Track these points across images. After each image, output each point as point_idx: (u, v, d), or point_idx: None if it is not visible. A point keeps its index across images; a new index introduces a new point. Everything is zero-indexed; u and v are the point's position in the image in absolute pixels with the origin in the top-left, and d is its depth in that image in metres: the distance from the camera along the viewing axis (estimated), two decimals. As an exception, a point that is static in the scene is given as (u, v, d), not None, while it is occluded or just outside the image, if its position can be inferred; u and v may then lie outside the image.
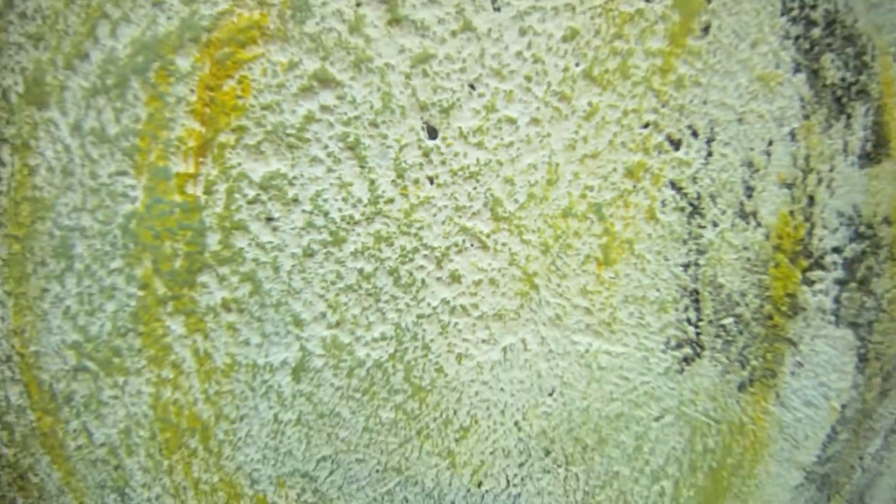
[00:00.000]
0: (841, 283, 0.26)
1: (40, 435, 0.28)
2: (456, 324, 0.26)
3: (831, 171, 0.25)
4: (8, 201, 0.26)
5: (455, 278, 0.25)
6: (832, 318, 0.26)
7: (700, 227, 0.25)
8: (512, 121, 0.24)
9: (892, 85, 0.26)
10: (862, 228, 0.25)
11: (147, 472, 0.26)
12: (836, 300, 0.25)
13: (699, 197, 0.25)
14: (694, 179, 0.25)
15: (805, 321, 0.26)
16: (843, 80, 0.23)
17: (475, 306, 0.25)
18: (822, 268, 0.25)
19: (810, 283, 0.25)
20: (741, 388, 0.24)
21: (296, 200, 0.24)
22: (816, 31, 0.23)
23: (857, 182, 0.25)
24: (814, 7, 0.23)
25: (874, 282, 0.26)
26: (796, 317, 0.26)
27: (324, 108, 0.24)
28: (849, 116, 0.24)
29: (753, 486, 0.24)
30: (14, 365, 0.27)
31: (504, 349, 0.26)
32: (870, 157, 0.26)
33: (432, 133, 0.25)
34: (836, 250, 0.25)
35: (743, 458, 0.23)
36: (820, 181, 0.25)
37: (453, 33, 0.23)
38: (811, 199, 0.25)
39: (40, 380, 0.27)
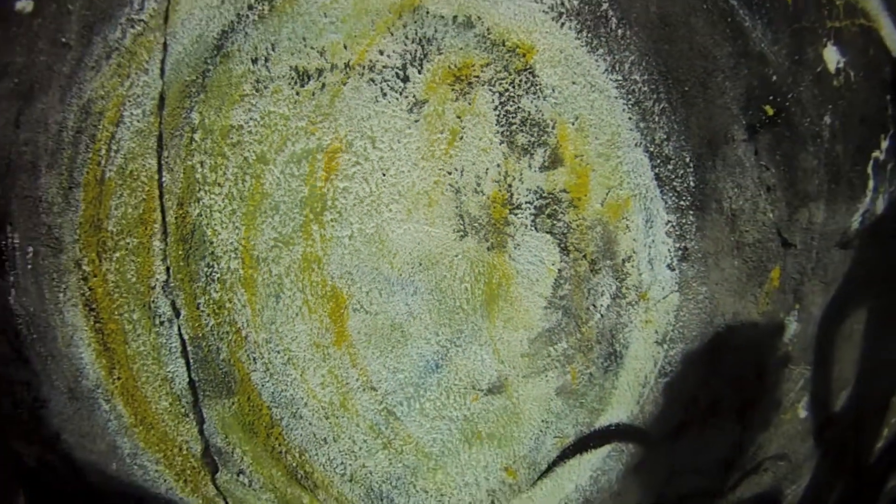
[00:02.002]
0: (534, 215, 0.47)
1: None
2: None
3: (521, 174, 0.48)
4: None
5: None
6: (532, 229, 0.45)
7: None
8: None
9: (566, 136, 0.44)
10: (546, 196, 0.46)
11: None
12: (533, 222, 0.46)
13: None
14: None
15: (515, 226, 0.48)
16: (530, 142, 0.45)
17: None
18: (519, 208, 0.46)
19: (515, 214, 0.48)
20: (489, 249, 0.49)
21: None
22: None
23: (537, 177, 0.44)
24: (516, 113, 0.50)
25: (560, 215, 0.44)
26: (510, 226, 0.48)
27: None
28: (533, 154, 0.45)
29: (513, 299, 0.48)
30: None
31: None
32: (546, 167, 0.43)
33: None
34: (529, 202, 0.47)
35: (501, 281, 0.49)
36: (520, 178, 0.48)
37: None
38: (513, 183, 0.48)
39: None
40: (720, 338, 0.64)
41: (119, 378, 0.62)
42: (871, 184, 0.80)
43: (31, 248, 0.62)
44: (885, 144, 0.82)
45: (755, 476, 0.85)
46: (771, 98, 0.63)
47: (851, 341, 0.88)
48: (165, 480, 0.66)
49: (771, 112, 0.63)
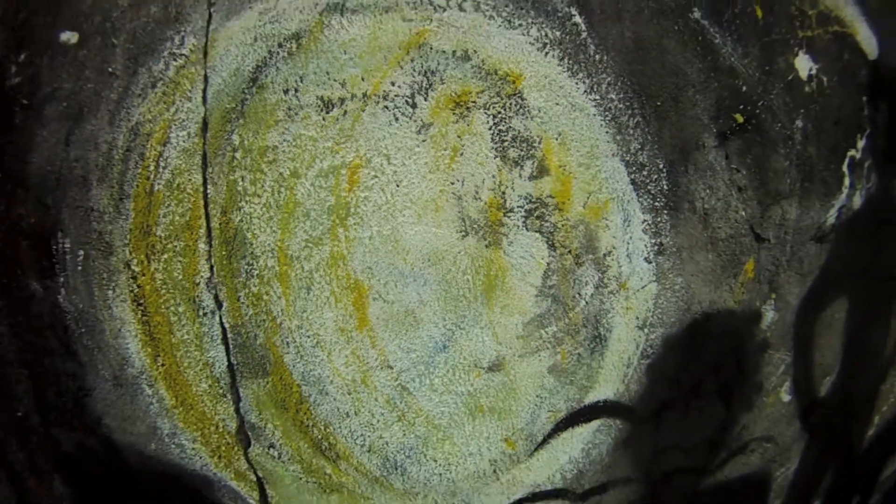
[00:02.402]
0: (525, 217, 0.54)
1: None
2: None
3: (513, 183, 0.55)
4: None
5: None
6: (523, 228, 0.53)
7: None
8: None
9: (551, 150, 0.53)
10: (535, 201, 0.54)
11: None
12: (524, 223, 0.54)
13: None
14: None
15: (509, 227, 0.56)
16: (520, 155, 0.53)
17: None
18: (512, 211, 0.53)
19: (508, 216, 0.55)
20: (487, 246, 0.56)
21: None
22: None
23: (526, 185, 0.52)
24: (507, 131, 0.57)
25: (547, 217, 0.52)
26: (505, 226, 0.56)
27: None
28: (522, 166, 0.52)
29: (508, 288, 0.56)
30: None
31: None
32: (534, 177, 0.51)
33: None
34: (520, 206, 0.55)
35: (498, 273, 0.57)
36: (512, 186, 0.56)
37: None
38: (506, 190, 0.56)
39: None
40: (698, 324, 0.71)
41: (163, 364, 0.68)
42: (846, 181, 0.85)
43: (81, 252, 0.67)
44: (861, 144, 0.87)
45: (742, 456, 0.91)
46: (741, 107, 0.70)
47: (832, 330, 0.93)
48: (201, 457, 0.72)
49: (741, 120, 0.70)
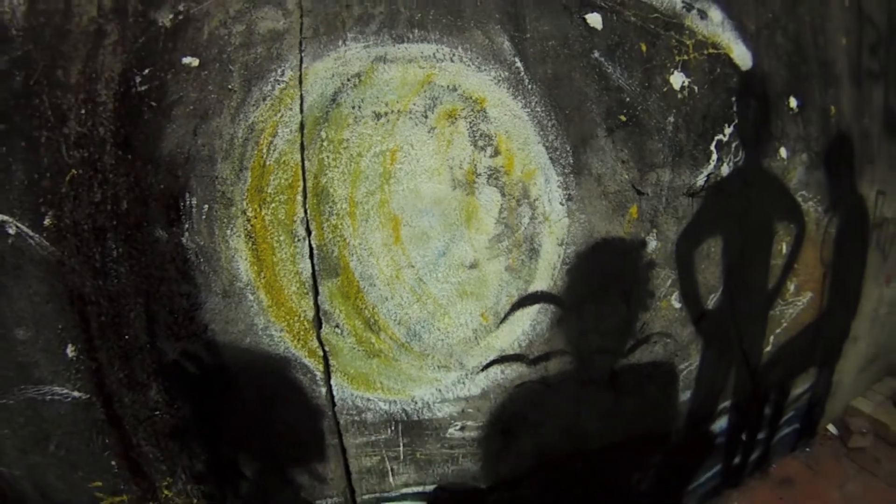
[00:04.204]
0: (487, 177, 0.98)
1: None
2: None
3: (481, 160, 0.97)
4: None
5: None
6: (486, 184, 0.98)
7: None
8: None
9: (502, 141, 0.94)
10: (493, 168, 0.95)
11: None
12: (486, 181, 0.97)
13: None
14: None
15: (479, 184, 0.99)
16: (484, 144, 0.96)
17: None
18: (480, 175, 0.97)
19: (478, 177, 0.98)
20: (467, 195, 1.00)
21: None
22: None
23: (488, 160, 0.95)
24: (477, 131, 0.97)
25: (500, 177, 0.96)
26: (477, 183, 0.99)
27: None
28: (486, 150, 0.96)
29: (479, 218, 1.00)
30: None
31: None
32: (492, 156, 0.94)
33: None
34: (484, 172, 0.97)
35: (473, 210, 1.00)
36: (480, 161, 0.96)
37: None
38: (476, 164, 0.97)
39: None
40: (598, 245, 1.12)
41: (264, 277, 0.86)
42: (714, 157, 1.24)
43: (206, 206, 0.82)
44: (728, 131, 1.26)
45: (647, 346, 1.28)
46: (625, 111, 1.10)
47: (710, 259, 1.31)
48: (285, 342, 0.89)
49: (624, 119, 1.10)
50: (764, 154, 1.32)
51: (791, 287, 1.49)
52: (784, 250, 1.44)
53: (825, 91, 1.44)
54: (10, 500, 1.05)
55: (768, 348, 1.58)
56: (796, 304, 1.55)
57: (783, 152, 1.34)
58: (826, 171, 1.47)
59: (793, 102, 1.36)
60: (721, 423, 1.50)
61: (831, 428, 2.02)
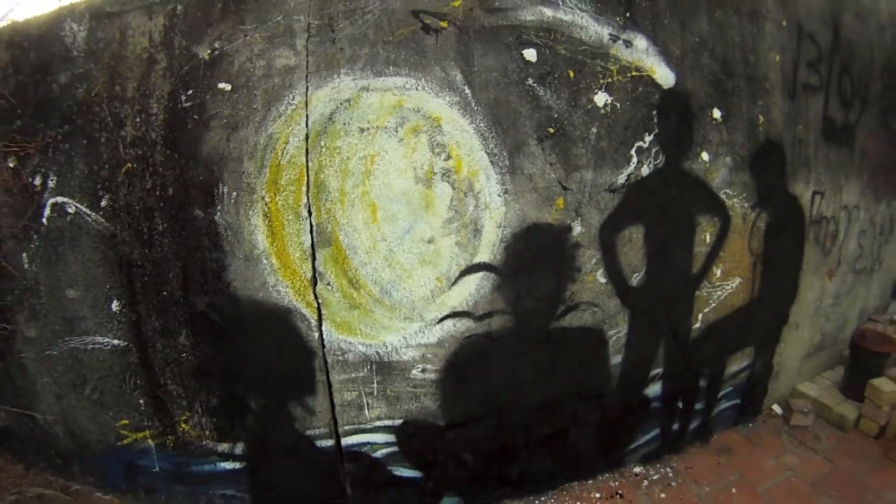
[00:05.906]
0: (441, 175, 1.32)
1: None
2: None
3: (437, 162, 1.31)
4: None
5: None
6: (440, 180, 1.32)
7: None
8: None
9: (453, 149, 1.26)
10: (446, 169, 1.28)
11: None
12: (441, 178, 1.31)
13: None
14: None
15: (435, 180, 1.32)
16: (439, 151, 1.29)
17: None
18: (436, 173, 1.31)
19: (434, 175, 1.31)
20: (426, 188, 1.33)
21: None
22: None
23: (442, 163, 1.29)
24: (435, 141, 1.31)
25: (451, 175, 1.29)
26: (433, 180, 1.33)
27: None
28: (440, 155, 1.29)
29: (435, 206, 1.35)
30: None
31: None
32: (445, 160, 1.27)
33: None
34: (440, 171, 1.30)
35: (431, 199, 1.35)
36: (436, 163, 1.29)
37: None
38: (433, 165, 1.29)
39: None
40: (530, 228, 1.43)
41: (276, 245, 1.15)
42: (634, 160, 1.50)
43: (235, 193, 1.11)
44: (648, 138, 1.52)
45: (577, 312, 1.54)
46: (553, 125, 1.40)
47: (633, 244, 1.57)
48: (289, 296, 1.16)
49: (552, 131, 1.40)
50: (685, 157, 1.57)
51: (717, 272, 1.71)
52: (708, 240, 1.66)
53: (753, 103, 1.65)
54: (41, 444, 1.23)
55: (697, 325, 1.73)
56: (724, 287, 1.72)
57: (705, 156, 1.58)
58: (751, 173, 1.69)
59: (716, 114, 1.59)
60: (655, 389, 1.69)
61: (776, 408, 2.14)
